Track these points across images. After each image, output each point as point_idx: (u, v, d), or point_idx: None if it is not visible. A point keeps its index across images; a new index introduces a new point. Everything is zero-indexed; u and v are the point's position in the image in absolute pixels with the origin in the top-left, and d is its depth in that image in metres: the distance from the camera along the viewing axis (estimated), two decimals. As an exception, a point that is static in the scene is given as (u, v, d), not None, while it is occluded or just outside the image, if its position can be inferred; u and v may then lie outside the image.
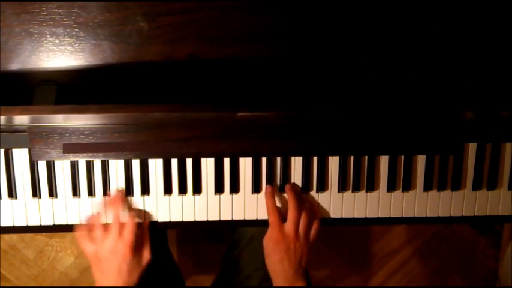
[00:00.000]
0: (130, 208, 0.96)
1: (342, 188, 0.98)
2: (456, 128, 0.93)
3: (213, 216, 0.98)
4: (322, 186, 0.98)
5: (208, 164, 0.96)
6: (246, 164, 0.96)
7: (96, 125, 0.88)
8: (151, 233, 0.95)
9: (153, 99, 0.90)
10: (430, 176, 0.99)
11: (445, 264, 1.78)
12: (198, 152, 0.91)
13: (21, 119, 0.84)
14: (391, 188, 0.99)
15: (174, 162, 0.95)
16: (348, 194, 0.99)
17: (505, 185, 1.01)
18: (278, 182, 0.97)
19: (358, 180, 0.98)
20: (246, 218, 0.98)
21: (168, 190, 0.96)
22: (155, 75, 0.90)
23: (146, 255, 0.92)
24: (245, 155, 0.95)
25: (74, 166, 0.93)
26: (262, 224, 0.98)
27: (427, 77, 0.94)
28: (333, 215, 0.99)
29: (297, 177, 0.97)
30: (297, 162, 0.97)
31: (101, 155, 0.90)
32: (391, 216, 1.00)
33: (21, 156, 0.93)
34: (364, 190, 0.99)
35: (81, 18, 0.86)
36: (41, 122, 0.86)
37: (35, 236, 1.64)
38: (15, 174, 0.93)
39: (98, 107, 0.79)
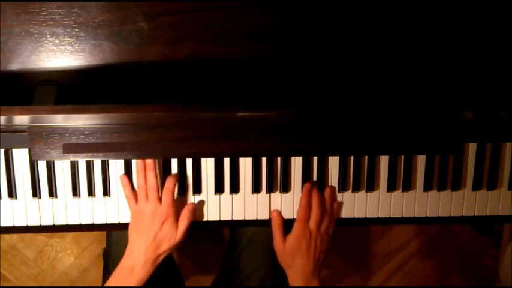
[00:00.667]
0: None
1: (342, 188, 0.98)
2: (456, 128, 0.93)
3: (213, 216, 0.98)
4: (322, 187, 0.97)
5: (208, 164, 0.96)
6: (246, 164, 0.96)
7: (96, 125, 0.88)
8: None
9: (153, 99, 0.90)
10: (430, 176, 0.99)
11: (445, 264, 1.78)
12: (198, 152, 0.91)
13: (21, 119, 0.84)
14: (391, 188, 0.99)
15: (174, 162, 0.95)
16: (348, 194, 0.99)
17: (505, 185, 1.01)
18: (279, 182, 0.97)
19: (358, 180, 0.98)
20: (246, 218, 0.98)
21: (168, 190, 0.95)
22: (155, 75, 0.90)
23: (182, 228, 0.92)
24: (245, 155, 0.95)
25: (74, 166, 0.93)
26: (262, 224, 0.98)
27: (427, 77, 0.94)
28: (333, 215, 0.99)
29: (297, 177, 0.97)
30: (297, 162, 0.97)
31: (101, 155, 0.90)
32: (391, 216, 1.00)
33: (21, 156, 0.93)
34: (364, 190, 0.99)
35: (81, 18, 0.86)
36: (41, 122, 0.86)
37: (35, 236, 1.64)
38: (15, 174, 0.93)
39: (98, 107, 0.79)
